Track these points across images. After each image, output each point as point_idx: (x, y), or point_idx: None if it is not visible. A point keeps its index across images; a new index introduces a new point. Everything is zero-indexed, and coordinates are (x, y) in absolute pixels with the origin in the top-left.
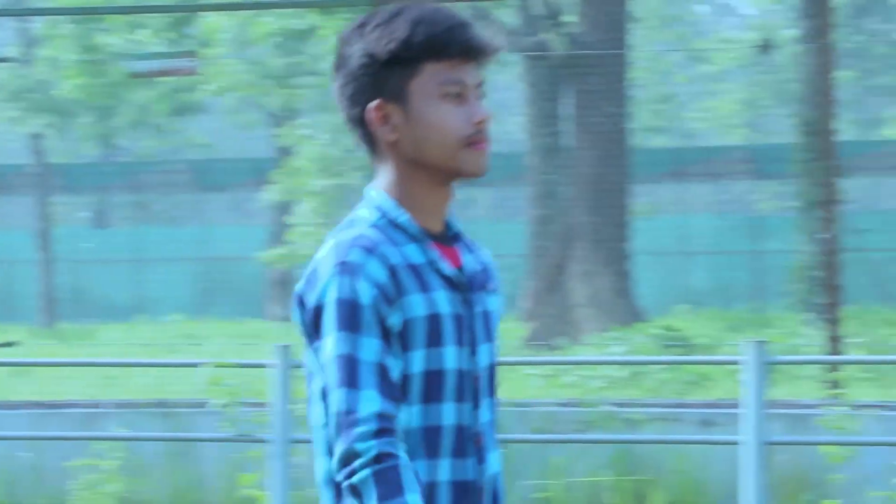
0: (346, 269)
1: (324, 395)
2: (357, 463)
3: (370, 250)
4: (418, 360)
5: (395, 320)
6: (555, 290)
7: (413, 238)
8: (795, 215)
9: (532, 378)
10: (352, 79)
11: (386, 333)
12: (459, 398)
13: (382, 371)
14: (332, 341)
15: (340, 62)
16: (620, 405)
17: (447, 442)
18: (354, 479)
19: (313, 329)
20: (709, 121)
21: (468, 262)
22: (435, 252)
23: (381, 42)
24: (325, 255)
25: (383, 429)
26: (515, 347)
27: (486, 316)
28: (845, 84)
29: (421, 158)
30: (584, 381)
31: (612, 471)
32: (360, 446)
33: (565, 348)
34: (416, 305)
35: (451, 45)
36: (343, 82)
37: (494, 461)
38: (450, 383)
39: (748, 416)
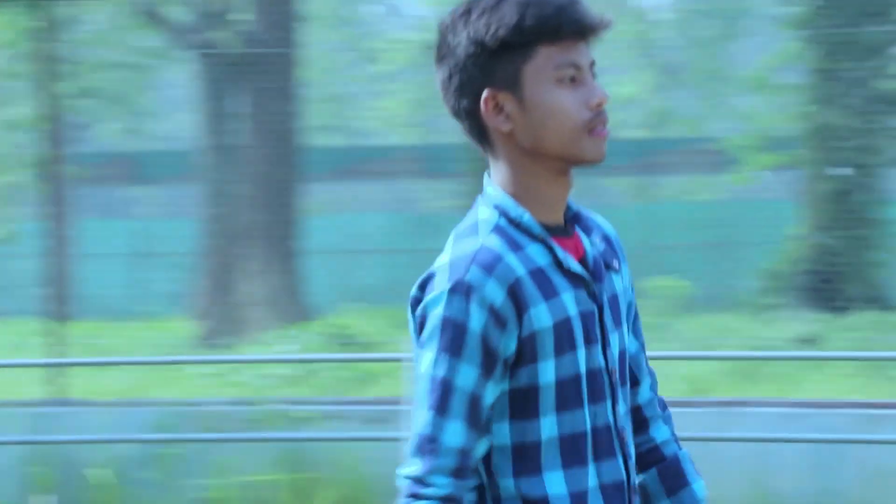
0: (461, 288)
1: None
2: (427, 492)
3: (490, 268)
4: (549, 370)
5: (507, 344)
6: (225, 289)
7: (536, 238)
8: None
9: (202, 377)
10: (459, 69)
11: (489, 361)
12: (596, 399)
13: (474, 402)
14: (430, 358)
15: (444, 52)
16: (289, 403)
17: (589, 447)
18: (418, 502)
19: (417, 337)
20: (381, 120)
21: (590, 246)
22: (560, 250)
23: (490, 28)
24: (444, 265)
25: (462, 468)
26: (185, 346)
27: (615, 301)
28: None
29: (539, 148)
30: (253, 379)
31: (280, 469)
32: (434, 479)
33: (235, 347)
34: (542, 316)
35: (564, 25)
36: (448, 73)
37: (633, 452)
38: (584, 387)
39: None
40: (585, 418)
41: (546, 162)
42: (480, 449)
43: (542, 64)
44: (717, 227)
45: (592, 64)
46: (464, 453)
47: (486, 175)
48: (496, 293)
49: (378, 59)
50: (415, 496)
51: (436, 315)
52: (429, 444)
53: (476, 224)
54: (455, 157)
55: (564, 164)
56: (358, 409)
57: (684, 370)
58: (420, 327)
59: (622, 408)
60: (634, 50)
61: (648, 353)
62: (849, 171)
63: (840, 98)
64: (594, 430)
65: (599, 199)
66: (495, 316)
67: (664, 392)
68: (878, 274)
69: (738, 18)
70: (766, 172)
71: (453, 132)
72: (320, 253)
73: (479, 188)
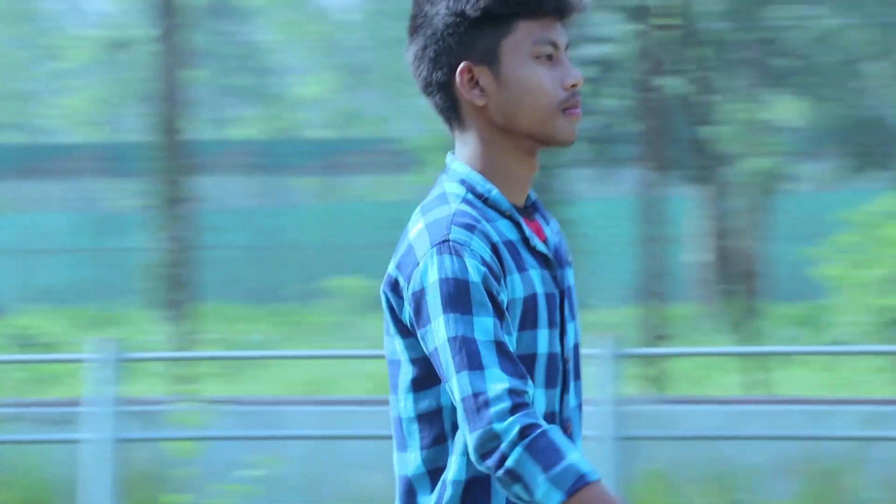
0: (449, 247)
1: (415, 385)
2: (504, 446)
3: (471, 228)
4: (510, 345)
5: (503, 297)
6: None
7: (503, 214)
8: (148, 213)
9: None
10: (435, 40)
11: (498, 310)
12: (549, 384)
13: (501, 348)
14: (441, 325)
15: (420, 22)
16: None
17: None
18: (509, 462)
19: (415, 317)
20: (63, 118)
21: (549, 234)
22: (527, 228)
23: None
24: (419, 234)
25: (518, 404)
26: None
27: (570, 293)
28: (198, 84)
29: (511, 125)
30: None
31: None
32: (498, 427)
33: None
34: (517, 286)
35: (546, 1)
36: (423, 44)
37: (580, 447)
38: (541, 369)
39: (97, 413)
40: (535, 402)
41: (517, 139)
42: (530, 390)
43: (521, 39)
44: (402, 227)
45: (567, 45)
46: (514, 392)
47: (449, 154)
48: (483, 249)
49: (59, 55)
50: (500, 461)
51: (432, 282)
52: (474, 402)
53: (444, 195)
54: (138, 155)
55: (535, 143)
56: (38, 410)
57: (371, 368)
58: (417, 304)
59: (573, 400)
60: (319, 50)
61: (333, 352)
62: None
63: None
64: (543, 416)
65: (285, 198)
66: (489, 268)
67: (352, 391)
68: None
69: None
70: None
71: (137, 131)
72: (1, 253)
73: (163, 188)
